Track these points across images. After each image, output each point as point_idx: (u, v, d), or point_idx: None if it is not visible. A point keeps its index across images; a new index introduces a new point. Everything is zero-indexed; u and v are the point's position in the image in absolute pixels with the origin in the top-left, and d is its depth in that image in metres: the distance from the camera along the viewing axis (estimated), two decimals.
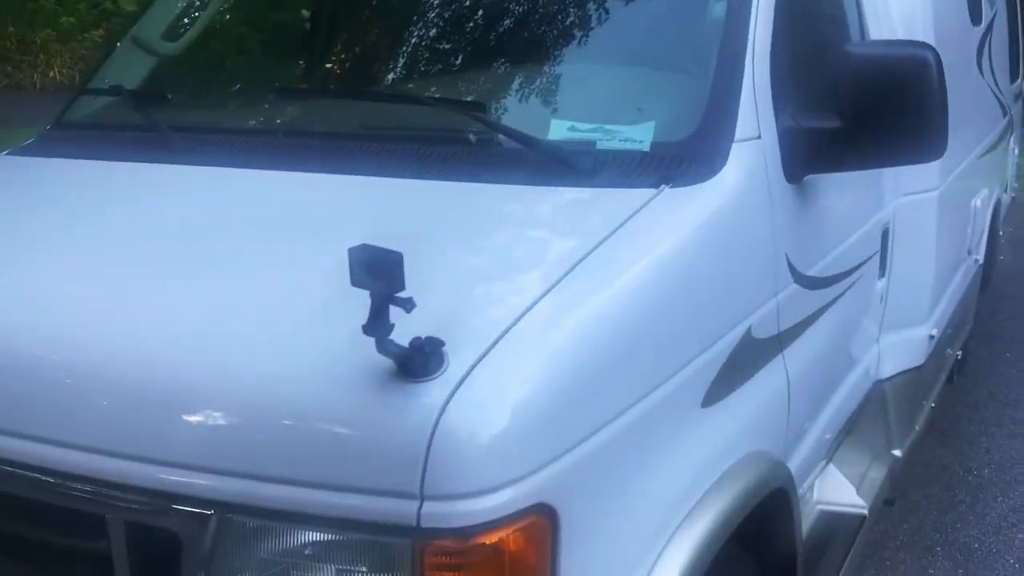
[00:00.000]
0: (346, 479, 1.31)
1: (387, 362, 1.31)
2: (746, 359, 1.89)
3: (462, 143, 2.02)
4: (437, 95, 2.24)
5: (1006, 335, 5.50)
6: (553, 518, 1.37)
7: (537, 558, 1.36)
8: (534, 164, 1.88)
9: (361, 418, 1.32)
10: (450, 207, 1.82)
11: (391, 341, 1.28)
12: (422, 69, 2.46)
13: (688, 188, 1.79)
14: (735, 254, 1.87)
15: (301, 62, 3.02)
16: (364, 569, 1.33)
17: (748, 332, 1.88)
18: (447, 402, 1.29)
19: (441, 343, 1.31)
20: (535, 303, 1.46)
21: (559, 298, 1.48)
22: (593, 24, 2.31)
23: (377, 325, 1.27)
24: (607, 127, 1.97)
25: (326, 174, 1.97)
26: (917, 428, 3.14)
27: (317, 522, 1.34)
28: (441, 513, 1.28)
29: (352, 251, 1.27)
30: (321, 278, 1.51)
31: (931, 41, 2.50)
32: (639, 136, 1.94)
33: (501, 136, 1.97)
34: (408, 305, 1.27)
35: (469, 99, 2.18)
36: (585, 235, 1.65)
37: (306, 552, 1.37)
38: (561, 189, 1.83)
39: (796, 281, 2.11)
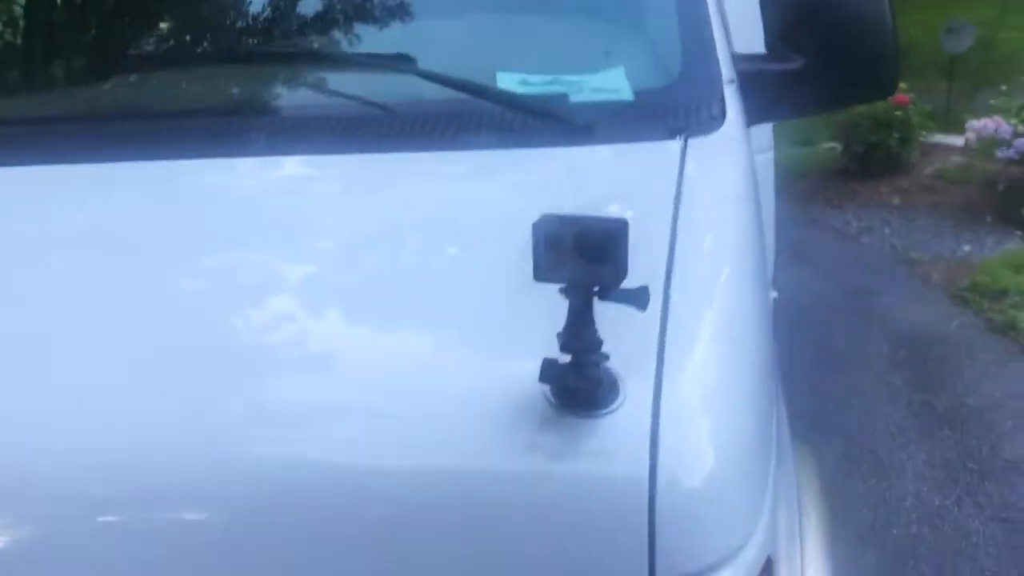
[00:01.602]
0: None
1: (535, 400, 0.90)
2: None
3: (395, 108, 1.59)
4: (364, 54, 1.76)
5: None
6: (772, 570, 1.03)
7: None
8: (513, 125, 1.51)
9: (533, 486, 0.90)
10: (451, 183, 1.40)
11: (593, 364, 0.88)
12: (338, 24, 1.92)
13: (707, 137, 1.52)
14: (759, 212, 1.63)
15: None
16: None
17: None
18: (654, 441, 0.91)
19: (605, 356, 0.92)
20: (668, 285, 1.10)
21: (688, 282, 1.13)
22: None
23: (581, 337, 0.86)
24: (567, 78, 1.64)
25: (276, 157, 1.47)
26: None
27: None
28: None
29: (539, 225, 0.85)
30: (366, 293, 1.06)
31: None
32: (612, 85, 1.63)
33: (459, 94, 1.56)
34: (643, 300, 0.87)
35: (396, 55, 1.72)
36: (649, 201, 1.31)
37: None
38: (566, 150, 1.47)
39: None
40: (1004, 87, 8.33)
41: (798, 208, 7.34)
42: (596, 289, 0.85)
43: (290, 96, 1.76)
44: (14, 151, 1.57)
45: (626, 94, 1.60)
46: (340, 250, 1.30)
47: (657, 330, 1.00)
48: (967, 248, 6.05)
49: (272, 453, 0.97)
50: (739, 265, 1.24)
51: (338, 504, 0.93)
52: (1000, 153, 6.24)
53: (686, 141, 1.47)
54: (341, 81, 1.67)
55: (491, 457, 0.92)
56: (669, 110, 1.55)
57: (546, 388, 0.90)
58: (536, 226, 0.84)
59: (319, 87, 1.71)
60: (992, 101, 7.65)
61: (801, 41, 1.81)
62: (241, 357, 1.07)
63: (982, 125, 6.41)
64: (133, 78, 1.84)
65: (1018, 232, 6.11)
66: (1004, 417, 3.82)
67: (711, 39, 1.69)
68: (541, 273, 0.85)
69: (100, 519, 0.94)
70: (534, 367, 0.90)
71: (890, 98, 6.98)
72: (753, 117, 1.83)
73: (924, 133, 7.61)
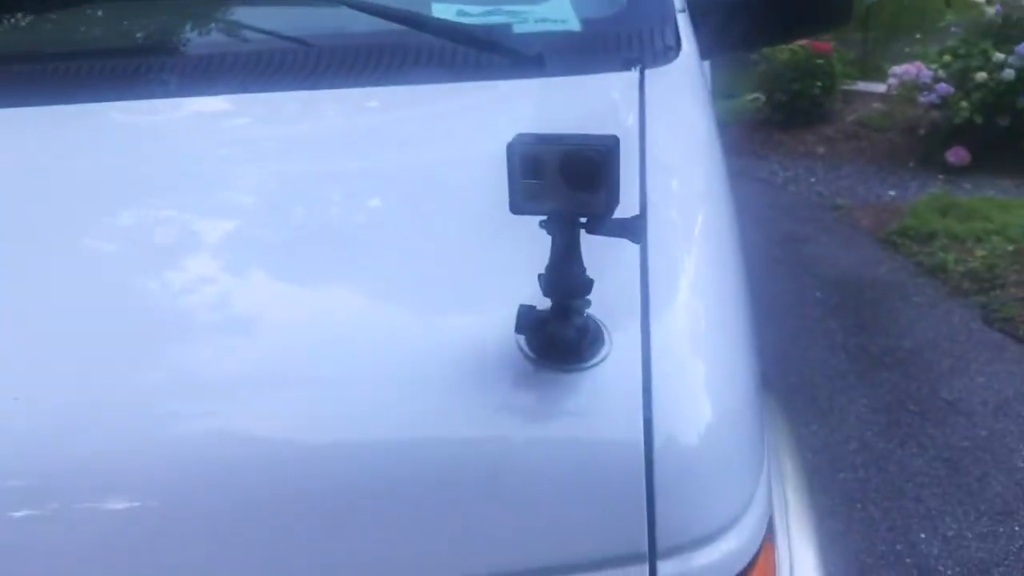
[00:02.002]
0: (498, 559, 0.79)
1: (509, 352, 0.79)
2: None
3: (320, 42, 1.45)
4: None
5: None
6: (772, 534, 0.94)
7: None
8: (455, 58, 1.39)
9: (514, 451, 0.79)
10: (390, 120, 1.28)
11: (579, 310, 0.77)
12: None
13: (663, 68, 1.42)
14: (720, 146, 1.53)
15: None
16: None
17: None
18: (647, 397, 0.80)
19: (586, 301, 0.80)
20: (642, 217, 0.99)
21: (665, 220, 1.02)
22: None
23: (568, 278, 0.75)
24: (508, 8, 1.53)
25: (191, 98, 1.32)
26: None
27: None
28: (687, 573, 0.80)
29: (514, 146, 0.73)
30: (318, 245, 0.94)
31: None
32: (556, 15, 1.52)
33: (392, 25, 1.43)
34: (639, 231, 0.75)
35: None
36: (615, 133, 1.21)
37: None
38: (517, 83, 1.36)
39: None
40: (919, 35, 8.40)
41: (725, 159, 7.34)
42: (584, 221, 0.74)
43: (205, 33, 1.60)
44: None
45: (573, 24, 1.49)
46: (266, 201, 1.17)
47: (639, 273, 0.89)
48: (892, 193, 6.09)
49: (203, 428, 0.85)
50: (714, 202, 1.15)
51: (281, 482, 0.81)
52: (922, 98, 6.28)
53: (643, 73, 1.37)
54: (261, 15, 1.52)
55: (456, 421, 0.80)
56: (621, 40, 1.45)
57: (521, 339, 0.79)
58: (511, 148, 0.72)
59: (236, 22, 1.55)
60: (908, 49, 7.72)
61: None
62: (164, 322, 0.94)
63: (904, 71, 6.44)
64: (32, 17, 1.66)
65: (941, 176, 6.18)
66: (940, 357, 3.84)
67: None
68: (519, 204, 0.73)
69: (8, 513, 0.81)
70: (505, 316, 0.79)
71: (812, 46, 6.98)
72: (705, 50, 1.73)
73: (846, 81, 7.64)
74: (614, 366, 0.81)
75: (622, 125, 1.20)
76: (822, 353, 3.96)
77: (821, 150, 7.11)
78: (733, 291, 1.00)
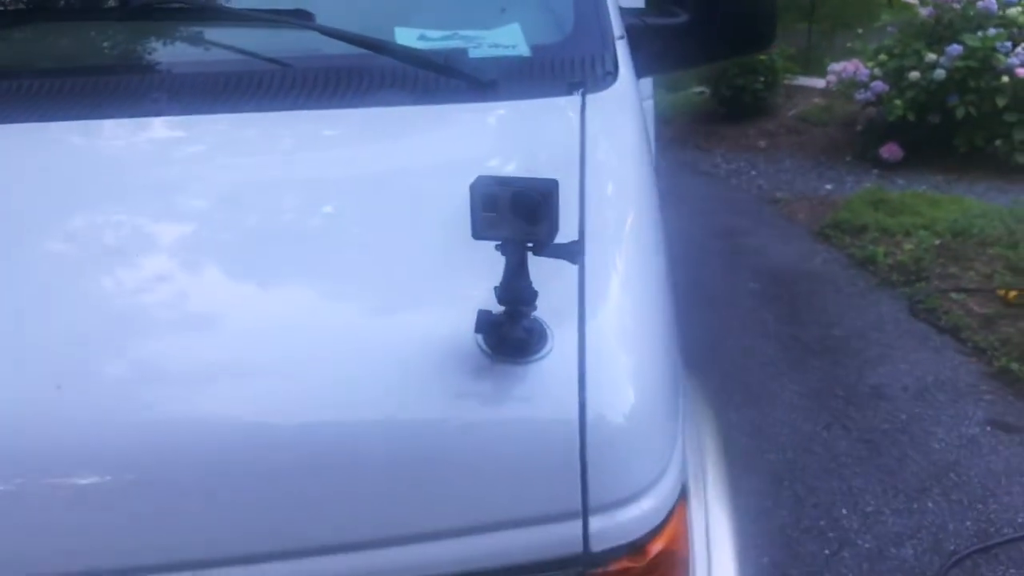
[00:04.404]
0: (467, 518, 0.96)
1: (468, 349, 0.97)
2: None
3: (293, 63, 1.59)
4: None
5: None
6: (687, 497, 1.13)
7: (686, 550, 1.11)
8: (416, 81, 1.55)
9: (471, 429, 0.96)
10: (354, 140, 1.43)
11: (527, 315, 0.94)
12: None
13: (603, 93, 1.58)
14: (650, 162, 1.71)
15: None
16: None
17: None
18: (581, 383, 0.98)
19: (532, 308, 0.98)
20: (582, 242, 1.16)
21: (599, 233, 1.20)
22: None
23: (516, 291, 0.92)
24: (464, 33, 1.68)
25: (169, 116, 1.46)
26: None
27: None
28: (612, 527, 0.98)
29: (476, 186, 0.90)
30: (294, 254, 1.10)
31: None
32: (508, 41, 1.68)
33: (359, 49, 1.58)
34: (575, 254, 0.93)
35: (295, 9, 1.72)
36: (556, 156, 1.38)
37: None
38: (471, 106, 1.52)
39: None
40: (860, 30, 8.68)
41: (669, 152, 7.53)
42: (530, 245, 0.91)
43: (184, 52, 1.74)
44: None
45: (523, 50, 1.64)
46: (243, 210, 1.31)
47: (576, 280, 1.07)
48: (829, 187, 6.35)
49: (169, 414, 0.98)
50: (644, 215, 1.32)
51: (254, 461, 0.95)
52: (859, 96, 6.54)
53: (584, 97, 1.53)
54: (237, 36, 1.66)
55: (424, 403, 0.97)
56: (565, 66, 1.61)
57: (479, 338, 0.97)
58: (474, 187, 0.90)
59: (214, 42, 1.69)
60: (849, 44, 7.98)
61: None
62: (135, 317, 1.08)
63: (842, 68, 6.70)
64: (14, 33, 1.78)
65: (875, 171, 6.45)
66: (868, 346, 4.08)
67: None
68: (479, 231, 0.91)
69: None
70: (469, 319, 0.96)
71: None
72: (641, 71, 1.91)
73: (788, 76, 7.89)
74: (555, 359, 0.98)
75: (566, 146, 1.37)
76: (756, 341, 4.18)
77: (763, 144, 7.35)
78: (656, 295, 1.18)
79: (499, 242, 0.91)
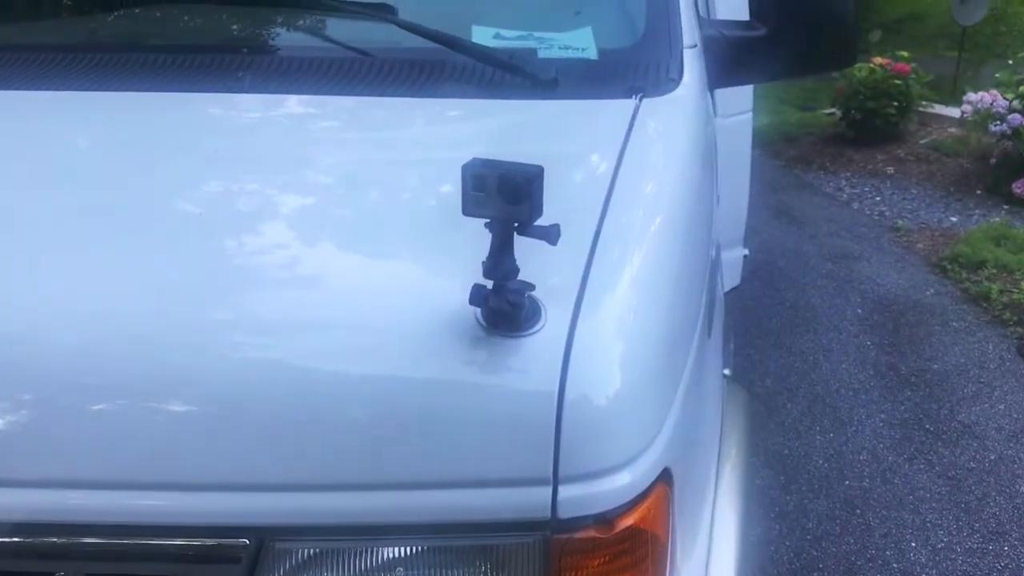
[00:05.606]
0: (446, 472, 1.04)
1: (468, 320, 1.04)
2: (714, 280, 1.79)
3: (375, 53, 1.70)
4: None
5: None
6: (670, 483, 1.17)
7: (665, 532, 1.16)
8: (482, 77, 1.63)
9: (459, 391, 1.04)
10: (419, 127, 1.53)
11: (511, 289, 1.01)
12: None
13: (662, 98, 1.64)
14: (708, 170, 1.75)
15: None
16: None
17: (717, 250, 1.78)
18: (566, 361, 1.04)
19: (531, 286, 1.05)
20: (600, 229, 1.23)
21: (619, 227, 1.26)
22: None
23: (501, 266, 1.00)
24: (539, 35, 1.76)
25: (264, 95, 1.59)
26: (731, 347, 3.23)
27: (406, 532, 1.06)
28: (581, 497, 1.04)
29: (467, 167, 0.98)
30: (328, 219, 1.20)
31: None
32: (578, 43, 1.75)
33: (435, 44, 1.68)
34: (554, 236, 1.00)
35: (380, 4, 1.83)
36: (596, 152, 1.44)
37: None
38: (532, 103, 1.59)
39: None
40: (1011, 61, 8.36)
41: (793, 171, 7.44)
42: (515, 225, 0.98)
43: (281, 37, 1.87)
44: (17, 76, 1.69)
45: (591, 53, 1.71)
46: (311, 184, 1.43)
47: (583, 266, 1.13)
48: (954, 219, 6.17)
49: (248, 357, 1.10)
50: (673, 215, 1.37)
51: (295, 401, 1.06)
52: (993, 127, 6.32)
53: (641, 100, 1.59)
54: (327, 26, 1.79)
55: (427, 367, 1.05)
56: (629, 70, 1.67)
57: (477, 312, 1.04)
58: (465, 168, 0.97)
59: (308, 31, 1.82)
60: (998, 74, 7.71)
61: (768, 10, 1.92)
62: (228, 272, 1.21)
63: (978, 98, 6.48)
64: (135, 11, 1.95)
65: (1006, 206, 6.22)
66: (966, 383, 3.97)
67: (675, 4, 1.80)
68: (468, 208, 0.98)
69: (92, 407, 1.07)
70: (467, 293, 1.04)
71: (891, 67, 7.03)
72: (715, 81, 1.95)
73: (923, 103, 7.67)
74: (545, 336, 1.05)
75: (610, 144, 1.42)
76: (852, 367, 4.12)
77: (890, 170, 7.18)
78: (667, 295, 1.23)
79: (487, 220, 0.98)
